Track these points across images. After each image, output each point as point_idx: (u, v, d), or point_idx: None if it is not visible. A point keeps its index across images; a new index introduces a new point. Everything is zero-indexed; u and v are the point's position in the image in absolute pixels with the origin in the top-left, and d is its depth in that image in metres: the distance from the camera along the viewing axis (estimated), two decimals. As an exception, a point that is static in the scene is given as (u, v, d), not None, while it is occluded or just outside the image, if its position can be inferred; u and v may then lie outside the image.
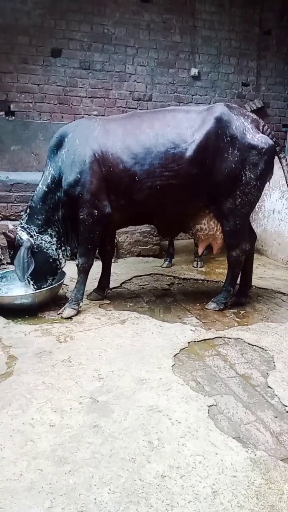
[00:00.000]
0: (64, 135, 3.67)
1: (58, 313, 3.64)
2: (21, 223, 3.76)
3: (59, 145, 3.68)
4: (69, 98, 6.08)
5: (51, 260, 3.81)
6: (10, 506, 1.71)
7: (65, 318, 3.57)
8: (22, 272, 3.59)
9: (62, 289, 4.22)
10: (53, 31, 5.82)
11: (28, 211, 3.77)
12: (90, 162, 3.49)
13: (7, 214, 5.11)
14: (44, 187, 3.70)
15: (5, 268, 4.63)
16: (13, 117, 5.86)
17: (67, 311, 3.62)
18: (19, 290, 3.96)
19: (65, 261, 3.92)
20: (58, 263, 3.87)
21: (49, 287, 3.78)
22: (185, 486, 1.82)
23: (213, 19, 6.57)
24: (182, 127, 3.49)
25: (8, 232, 3.70)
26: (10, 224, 3.84)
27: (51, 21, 5.78)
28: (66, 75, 6.00)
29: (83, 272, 3.75)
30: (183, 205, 3.62)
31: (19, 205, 5.13)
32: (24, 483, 1.83)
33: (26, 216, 3.77)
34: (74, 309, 3.65)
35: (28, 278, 3.68)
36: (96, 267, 4.25)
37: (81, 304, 3.72)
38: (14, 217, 5.03)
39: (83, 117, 5.90)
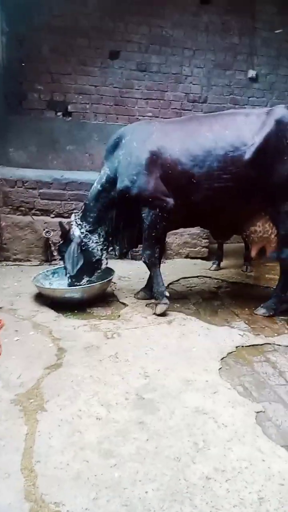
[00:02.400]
0: (122, 136, 3.75)
1: (153, 312, 3.69)
2: (76, 220, 3.86)
3: (116, 146, 3.76)
4: (124, 99, 6.17)
5: (93, 260, 3.89)
6: (56, 494, 1.75)
7: (117, 316, 3.64)
8: (72, 266, 3.73)
9: (111, 287, 4.28)
10: (112, 33, 5.93)
11: (82, 208, 3.90)
12: (147, 164, 3.53)
13: (61, 212, 5.25)
14: (99, 186, 3.80)
15: (56, 264, 4.75)
16: (70, 118, 6.02)
17: (159, 307, 3.68)
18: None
19: (106, 263, 3.98)
20: (100, 264, 3.94)
21: (98, 283, 3.85)
22: (230, 490, 1.79)
23: (273, 20, 6.44)
24: (241, 130, 3.47)
25: (65, 223, 3.85)
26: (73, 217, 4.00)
27: (110, 23, 5.88)
28: (122, 76, 6.09)
29: (153, 265, 3.79)
30: (240, 207, 3.59)
31: (73, 203, 5.25)
32: (71, 473, 1.87)
33: (80, 213, 3.90)
34: (165, 303, 3.69)
35: (66, 269, 3.83)
36: (144, 267, 4.28)
37: (166, 294, 3.74)
38: (67, 215, 5.15)
39: (138, 118, 6.01)
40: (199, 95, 6.41)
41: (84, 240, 3.81)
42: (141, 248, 3.85)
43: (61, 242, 3.96)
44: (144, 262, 3.80)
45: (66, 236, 3.85)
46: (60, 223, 3.89)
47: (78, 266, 3.75)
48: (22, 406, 2.32)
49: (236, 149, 3.42)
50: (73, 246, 3.78)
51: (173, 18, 6.08)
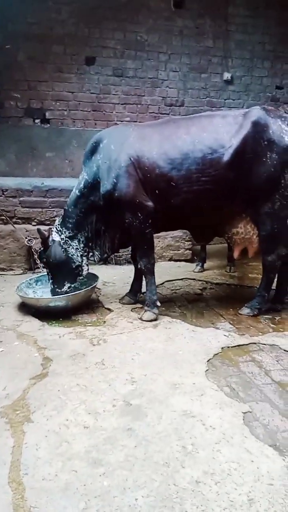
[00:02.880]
0: (99, 141, 3.72)
1: (139, 317, 3.69)
2: (56, 226, 3.85)
3: (94, 151, 3.73)
4: (102, 105, 6.17)
5: (74, 266, 3.86)
6: (45, 506, 1.73)
7: (103, 322, 3.63)
8: (57, 269, 3.80)
9: (95, 293, 4.27)
10: (87, 40, 5.94)
11: (62, 214, 3.89)
12: (126, 166, 3.51)
13: (42, 219, 5.21)
14: (77, 192, 3.78)
15: (40, 272, 4.71)
16: (48, 125, 6.00)
17: (147, 315, 3.67)
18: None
19: (87, 269, 3.96)
20: (81, 269, 3.92)
21: (83, 290, 3.83)
22: (220, 493, 1.79)
23: (246, 22, 6.53)
24: (219, 132, 3.48)
25: (44, 230, 3.84)
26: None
27: (85, 29, 5.89)
28: (99, 82, 6.10)
29: (149, 273, 3.77)
30: (220, 210, 3.61)
31: (54, 211, 5.22)
32: (59, 484, 1.85)
33: (60, 219, 3.88)
34: (154, 313, 3.68)
35: (49, 277, 3.88)
36: (128, 272, 4.28)
37: (158, 304, 3.73)
38: (49, 222, 5.13)
39: (116, 123, 6.02)
40: (176, 98, 6.46)
41: (64, 246, 3.80)
42: (124, 252, 3.85)
43: (41, 249, 3.94)
44: (140, 269, 3.80)
45: (46, 242, 3.82)
46: (39, 230, 3.86)
47: (61, 269, 3.77)
48: (8, 418, 2.29)
49: (214, 152, 3.43)
50: (53, 250, 3.79)
51: (147, 23, 6.11)
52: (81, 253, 3.87)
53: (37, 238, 5.03)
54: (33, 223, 5.21)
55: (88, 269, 3.97)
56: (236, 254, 4.00)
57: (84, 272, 3.96)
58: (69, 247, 3.81)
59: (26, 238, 5.05)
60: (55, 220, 4.41)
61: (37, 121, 5.95)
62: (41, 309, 3.71)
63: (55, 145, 6.03)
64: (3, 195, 5.14)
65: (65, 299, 3.73)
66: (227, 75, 6.59)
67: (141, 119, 6.19)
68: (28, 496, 1.77)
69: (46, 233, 3.82)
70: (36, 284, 4.15)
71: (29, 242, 5.03)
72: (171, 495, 1.78)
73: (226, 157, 3.42)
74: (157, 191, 3.54)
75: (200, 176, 3.46)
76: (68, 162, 6.11)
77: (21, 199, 5.19)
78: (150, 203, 3.55)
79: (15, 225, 5.11)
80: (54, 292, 3.85)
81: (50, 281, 3.90)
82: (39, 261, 4.60)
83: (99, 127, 6.09)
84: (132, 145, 3.56)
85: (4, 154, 5.85)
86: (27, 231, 5.13)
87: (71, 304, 3.74)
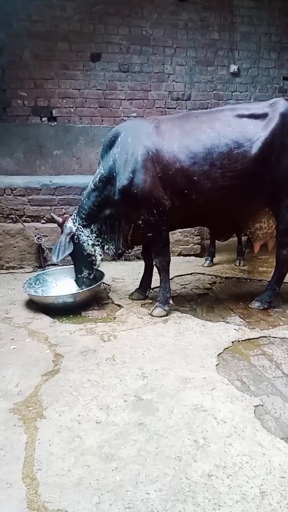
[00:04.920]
0: (116, 134, 3.66)
1: (149, 312, 3.69)
2: (72, 216, 3.92)
3: (111, 144, 3.67)
4: (108, 101, 6.15)
5: (84, 254, 3.89)
6: (59, 501, 1.75)
7: (113, 318, 3.65)
8: (56, 254, 3.79)
9: (104, 289, 4.29)
10: (92, 36, 5.91)
11: (78, 205, 3.95)
12: (143, 160, 3.43)
13: (51, 217, 5.22)
14: (92, 185, 3.78)
15: (44, 269, 4.74)
16: (55, 122, 6.00)
17: (158, 311, 3.67)
18: (53, 291, 4.15)
19: (101, 259, 3.98)
20: (94, 259, 3.94)
21: (88, 288, 3.85)
22: (232, 486, 1.80)
23: (252, 14, 6.44)
24: (244, 126, 3.40)
25: (58, 216, 3.98)
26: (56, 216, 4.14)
27: (90, 26, 5.87)
28: (105, 78, 6.08)
29: (164, 270, 3.75)
30: (245, 205, 3.55)
31: (62, 208, 5.24)
32: (72, 479, 1.87)
33: (76, 210, 3.94)
34: (165, 310, 3.68)
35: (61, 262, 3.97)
36: (138, 267, 4.29)
37: (170, 302, 3.73)
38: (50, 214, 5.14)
39: (123, 119, 6.01)
40: (182, 92, 6.41)
41: (76, 233, 3.84)
42: (136, 250, 3.85)
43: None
44: (155, 266, 3.79)
45: (61, 228, 3.95)
46: (52, 216, 4.02)
47: (64, 255, 3.79)
48: (21, 415, 2.32)
49: (241, 145, 3.35)
50: (62, 236, 3.86)
51: (152, 17, 6.07)
52: (92, 242, 3.87)
53: (47, 236, 5.10)
54: (42, 221, 5.24)
55: (102, 259, 4.00)
56: (256, 249, 3.97)
57: (98, 262, 3.97)
58: (80, 234, 3.84)
59: (35, 236, 5.08)
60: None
61: (44, 119, 5.95)
62: (47, 306, 3.75)
63: (63, 142, 6.04)
64: (12, 194, 5.17)
65: (71, 296, 3.76)
66: (233, 68, 6.53)
67: (148, 115, 6.16)
68: (42, 491, 1.80)
69: (60, 219, 3.94)
70: (35, 284, 4.17)
71: (39, 240, 5.06)
72: (183, 489, 1.79)
73: (253, 151, 3.35)
74: (176, 187, 3.45)
75: (225, 171, 3.38)
76: (76, 160, 6.12)
77: (29, 197, 5.21)
78: (167, 200, 3.48)
79: (24, 224, 5.14)
80: (76, 279, 4.00)
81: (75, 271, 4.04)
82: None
83: (106, 123, 6.09)
84: (150, 139, 3.49)
85: (13, 153, 5.87)
86: (36, 229, 5.16)
87: (77, 300, 3.77)
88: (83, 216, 3.83)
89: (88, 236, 3.86)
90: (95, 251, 3.91)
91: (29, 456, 2.01)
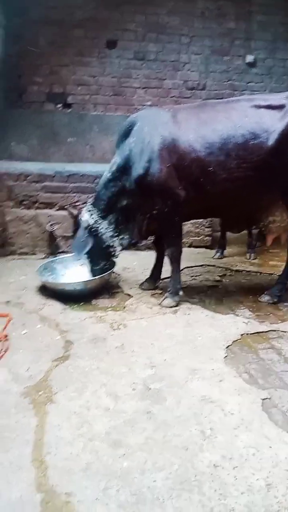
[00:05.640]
0: (133, 123, 3.63)
1: (159, 303, 3.70)
2: (87, 206, 3.87)
3: (127, 133, 3.65)
4: (123, 89, 6.13)
5: (104, 246, 3.85)
6: (67, 485, 1.78)
7: (123, 307, 3.67)
8: (77, 250, 3.77)
9: (115, 278, 4.31)
10: (108, 23, 5.88)
11: (94, 196, 3.90)
12: (159, 150, 3.41)
13: (64, 205, 5.25)
14: (109, 175, 3.73)
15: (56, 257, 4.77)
16: (70, 110, 5.99)
17: (167, 301, 3.68)
18: (63, 278, 4.17)
19: (121, 249, 3.96)
20: (113, 250, 3.91)
21: (98, 276, 3.88)
22: (238, 477, 1.82)
23: (269, 3, 6.33)
24: (262, 116, 3.37)
25: (73, 209, 3.83)
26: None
27: (105, 12, 5.83)
28: (120, 66, 6.05)
29: (175, 261, 3.75)
30: (260, 197, 3.52)
31: (75, 196, 5.25)
32: (81, 463, 1.90)
33: (92, 200, 3.89)
34: (175, 300, 3.68)
35: (84, 257, 3.85)
36: (148, 257, 4.30)
37: (180, 293, 3.74)
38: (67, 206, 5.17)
39: (137, 108, 5.97)
40: (197, 82, 6.35)
41: (94, 225, 3.78)
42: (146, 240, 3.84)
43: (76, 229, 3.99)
44: (167, 256, 3.78)
45: (76, 221, 3.92)
46: (68, 208, 3.93)
47: (86, 249, 3.75)
48: (31, 399, 2.36)
49: (257, 136, 3.32)
50: (80, 231, 3.81)
51: (168, 5, 6.01)
52: (111, 234, 3.84)
53: (59, 223, 5.13)
54: (55, 208, 5.26)
55: (121, 250, 3.96)
56: (269, 242, 3.97)
57: (117, 253, 3.95)
58: (99, 227, 3.79)
59: (48, 223, 5.10)
60: (76, 206, 4.49)
61: (58, 106, 5.95)
62: (58, 292, 3.79)
63: (76, 130, 6.03)
64: (26, 180, 5.19)
65: (82, 284, 3.80)
66: (249, 58, 6.45)
67: (162, 104, 6.12)
68: (51, 475, 1.83)
69: (75, 211, 3.86)
70: (44, 271, 4.19)
71: (51, 227, 5.09)
72: (189, 478, 1.81)
73: (270, 142, 3.32)
74: (191, 177, 3.43)
75: (241, 162, 3.34)
76: (89, 148, 6.11)
77: (43, 184, 5.23)
78: (182, 191, 3.47)
79: (37, 210, 5.16)
80: (91, 272, 3.91)
81: (88, 262, 3.93)
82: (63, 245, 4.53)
83: (120, 112, 6.07)
84: (167, 128, 3.46)
85: (27, 139, 5.89)
86: (49, 216, 5.19)
87: (88, 288, 3.80)
88: (102, 207, 3.77)
89: (107, 228, 3.81)
90: (114, 242, 3.88)
91: (38, 440, 2.04)
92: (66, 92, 5.95)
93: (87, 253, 3.79)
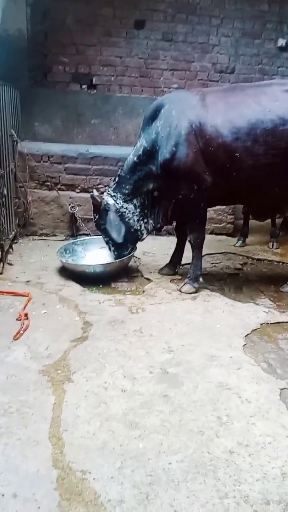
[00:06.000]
0: (160, 106, 3.58)
1: (178, 288, 3.69)
2: (108, 191, 3.83)
3: (154, 116, 3.59)
4: (150, 71, 6.01)
5: (132, 230, 3.83)
6: (83, 462, 1.81)
7: (142, 291, 3.67)
8: (117, 233, 3.73)
9: (135, 262, 4.30)
10: (137, 2, 5.74)
11: (116, 179, 3.82)
12: (186, 134, 3.36)
13: (86, 187, 5.24)
14: (135, 158, 3.68)
15: (77, 239, 4.79)
16: (95, 91, 5.93)
17: (186, 287, 3.67)
18: (83, 261, 4.19)
19: (147, 232, 3.93)
20: (140, 233, 3.89)
21: (118, 260, 3.87)
22: (253, 465, 1.82)
23: (305, -16, 6.11)
24: None
25: (96, 196, 3.79)
26: (95, 191, 3.95)
27: (135, -9, 5.70)
28: (148, 47, 5.92)
29: (197, 247, 3.73)
30: (286, 185, 3.42)
31: (98, 178, 5.24)
32: (97, 442, 1.93)
33: (114, 184, 3.83)
34: (194, 287, 3.66)
35: (110, 244, 3.83)
36: (169, 243, 4.27)
37: (200, 280, 3.72)
38: (91, 190, 5.15)
39: (163, 90, 5.88)
40: (226, 65, 6.19)
41: (120, 210, 3.76)
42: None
43: (96, 216, 3.88)
44: (189, 242, 3.76)
45: (99, 208, 3.78)
46: (92, 196, 3.81)
47: (123, 233, 3.75)
48: (50, 377, 2.39)
49: (287, 122, 3.22)
50: (111, 214, 3.75)
51: (200, -16, 5.84)
52: (138, 218, 3.82)
53: (80, 206, 5.13)
54: (77, 190, 5.25)
55: (148, 233, 3.94)
56: None
57: (144, 236, 3.94)
58: (125, 211, 3.77)
59: (69, 205, 5.11)
60: (98, 188, 4.45)
61: (84, 86, 5.89)
62: (77, 274, 3.81)
63: (101, 112, 5.97)
64: (49, 161, 5.19)
65: (101, 266, 3.81)
66: (281, 42, 6.24)
67: (189, 86, 6.01)
68: (67, 452, 1.86)
69: (98, 199, 3.78)
70: (65, 253, 4.20)
71: (72, 209, 5.09)
72: (204, 463, 1.82)
73: None
74: (218, 163, 3.37)
75: (268, 148, 3.26)
76: (113, 130, 6.05)
77: (66, 165, 5.23)
78: (208, 176, 3.41)
79: (59, 192, 5.17)
80: (119, 255, 3.87)
81: (111, 247, 3.89)
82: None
83: (146, 94, 5.97)
84: (194, 112, 3.39)
85: (51, 120, 5.86)
86: (70, 197, 5.19)
87: (107, 271, 3.81)
88: (126, 191, 3.74)
89: (133, 212, 3.78)
90: (140, 226, 3.85)
91: (56, 417, 2.07)
92: (92, 73, 5.88)
93: (112, 238, 3.78)
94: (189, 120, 3.37)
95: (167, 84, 6.06)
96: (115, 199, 3.76)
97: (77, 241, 4.50)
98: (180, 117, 3.41)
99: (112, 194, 3.79)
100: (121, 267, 3.95)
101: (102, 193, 4.04)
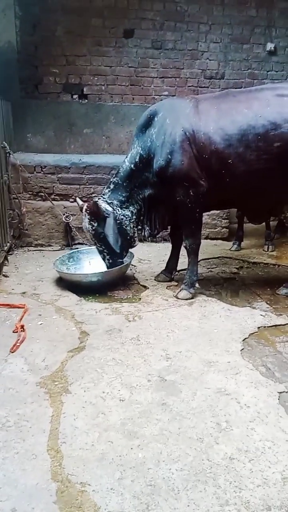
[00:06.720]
0: (154, 114, 3.60)
1: (175, 295, 3.68)
2: (103, 198, 3.78)
3: (148, 124, 3.61)
4: (140, 79, 6.06)
5: (128, 237, 3.83)
6: (82, 474, 1.79)
7: (138, 299, 3.66)
8: (116, 241, 3.65)
9: (131, 269, 4.30)
10: (126, 11, 5.79)
11: (111, 187, 3.79)
12: (180, 141, 3.38)
13: (80, 196, 5.24)
14: (132, 166, 3.68)
15: (72, 249, 4.79)
16: (86, 100, 5.96)
17: (183, 293, 3.66)
18: (86, 270, 4.15)
19: (138, 240, 3.93)
20: (133, 241, 3.89)
21: (115, 268, 3.86)
22: (254, 470, 1.81)
23: (292, -11, 6.18)
24: (284, 106, 3.28)
25: (93, 203, 3.72)
26: (78, 199, 3.96)
27: (124, 1, 5.75)
28: (138, 55, 5.97)
29: (193, 253, 3.73)
30: (281, 189, 3.44)
31: (91, 187, 5.25)
32: (96, 453, 1.91)
33: (109, 191, 3.79)
34: (190, 292, 3.66)
35: (105, 252, 3.79)
36: (164, 249, 4.27)
37: (196, 285, 3.73)
38: (85, 199, 5.15)
39: (154, 98, 5.92)
40: (216, 71, 6.24)
41: (118, 217, 3.74)
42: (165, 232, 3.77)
43: (95, 225, 3.73)
44: (185, 247, 3.76)
45: (98, 216, 3.69)
46: (94, 202, 3.72)
47: (121, 241, 3.71)
48: (47, 389, 2.38)
49: (279, 127, 3.24)
50: (112, 221, 3.66)
51: (187, -8, 5.89)
52: (133, 225, 3.82)
53: (75, 215, 5.13)
54: (71, 200, 5.26)
55: (138, 241, 3.94)
56: None
57: (136, 243, 3.94)
58: (123, 218, 3.76)
59: (64, 214, 5.11)
60: (92, 197, 4.45)
61: (75, 96, 5.92)
62: (75, 284, 3.80)
63: (93, 121, 6.00)
64: (42, 172, 5.20)
65: (99, 275, 3.80)
66: (270, 46, 6.30)
67: (179, 93, 6.05)
68: (66, 464, 1.85)
69: (100, 207, 3.69)
70: (68, 261, 4.21)
71: (67, 219, 5.09)
72: (204, 470, 1.81)
73: None
74: (212, 169, 3.39)
75: (261, 153, 3.28)
76: (106, 139, 6.08)
77: (59, 175, 5.24)
78: (203, 182, 3.43)
79: (53, 202, 5.18)
80: (113, 264, 3.83)
81: (107, 256, 3.82)
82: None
83: (137, 102, 6.02)
84: (188, 120, 3.42)
85: (43, 130, 5.88)
86: (64, 207, 5.20)
87: (104, 280, 3.79)
88: (123, 198, 3.73)
89: (130, 219, 3.78)
90: (134, 232, 3.85)
91: (54, 429, 2.06)
92: (83, 83, 5.91)
93: (107, 245, 3.75)
94: (183, 128, 3.39)
95: (157, 92, 6.10)
96: (112, 206, 3.73)
97: (82, 249, 4.49)
98: (174, 125, 3.43)
99: (109, 201, 3.76)
100: (119, 275, 3.94)
101: (88, 201, 3.97)
